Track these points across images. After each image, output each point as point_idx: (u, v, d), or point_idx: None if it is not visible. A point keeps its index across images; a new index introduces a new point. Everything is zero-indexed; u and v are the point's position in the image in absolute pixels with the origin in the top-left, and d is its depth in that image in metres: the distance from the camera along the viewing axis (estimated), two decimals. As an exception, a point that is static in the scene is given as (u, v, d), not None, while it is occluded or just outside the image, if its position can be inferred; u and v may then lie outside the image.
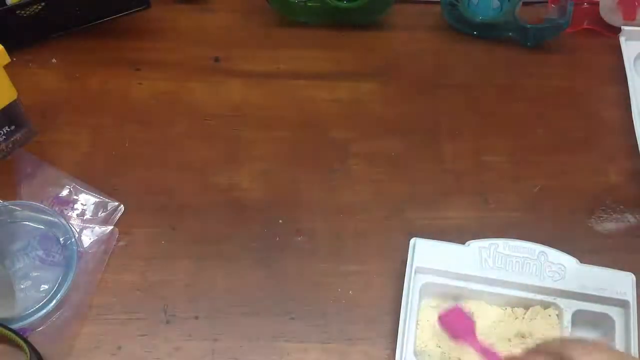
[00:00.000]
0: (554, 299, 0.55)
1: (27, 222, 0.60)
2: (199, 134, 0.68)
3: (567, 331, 0.54)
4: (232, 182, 0.65)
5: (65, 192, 0.62)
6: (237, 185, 0.65)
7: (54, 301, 0.56)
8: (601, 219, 0.64)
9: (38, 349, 0.53)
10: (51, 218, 0.60)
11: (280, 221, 0.62)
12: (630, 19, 0.76)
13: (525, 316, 0.56)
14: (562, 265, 0.56)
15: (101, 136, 0.67)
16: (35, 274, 0.58)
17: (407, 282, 0.55)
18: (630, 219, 0.64)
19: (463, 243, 0.57)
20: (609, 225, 0.63)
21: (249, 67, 0.74)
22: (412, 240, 0.57)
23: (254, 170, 0.66)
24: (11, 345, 0.54)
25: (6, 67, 0.58)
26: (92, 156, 0.66)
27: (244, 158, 0.67)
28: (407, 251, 0.57)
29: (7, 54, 0.57)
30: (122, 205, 0.62)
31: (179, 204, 0.63)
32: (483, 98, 0.72)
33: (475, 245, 0.57)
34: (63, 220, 0.59)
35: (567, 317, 0.55)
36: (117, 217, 0.62)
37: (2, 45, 0.57)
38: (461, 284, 0.56)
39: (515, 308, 0.56)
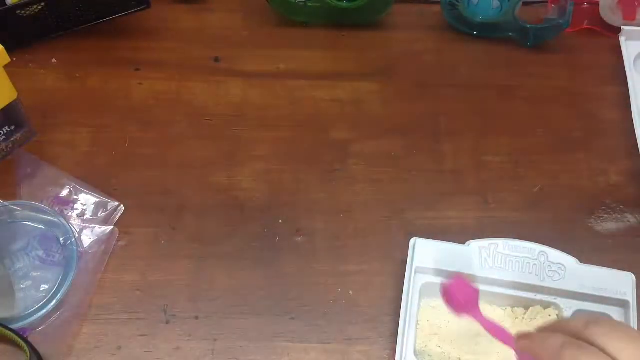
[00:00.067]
0: (554, 299, 0.55)
1: (27, 222, 0.60)
2: (199, 134, 0.68)
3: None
4: (232, 182, 0.65)
5: (65, 192, 0.62)
6: (237, 185, 0.65)
7: (54, 301, 0.56)
8: (601, 219, 0.64)
9: (38, 349, 0.53)
10: (51, 218, 0.60)
11: (280, 221, 0.62)
12: (630, 19, 0.76)
13: (525, 316, 0.56)
14: (562, 265, 0.56)
15: (101, 136, 0.67)
16: (35, 274, 0.58)
17: (407, 282, 0.55)
18: (630, 219, 0.64)
19: (463, 243, 0.57)
20: (609, 225, 0.63)
21: (249, 67, 0.74)
22: (412, 240, 0.57)
23: (254, 170, 0.66)
24: (11, 345, 0.54)
25: (6, 67, 0.58)
26: (92, 156, 0.66)
27: (244, 158, 0.67)
28: (407, 251, 0.57)
29: (7, 54, 0.57)
30: (122, 205, 0.62)
31: (179, 204, 0.63)
32: (483, 98, 0.72)
33: (475, 245, 0.57)
34: (63, 220, 0.59)
35: (567, 317, 0.55)
36: (117, 217, 0.62)
37: (2, 45, 0.57)
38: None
39: (515, 308, 0.57)
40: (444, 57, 0.76)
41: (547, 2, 0.78)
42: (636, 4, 0.75)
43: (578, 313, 0.55)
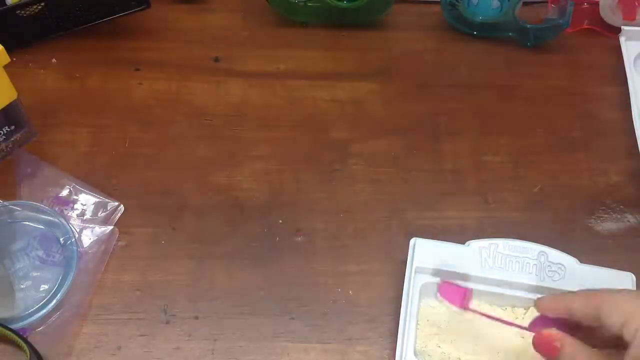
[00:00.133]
0: (554, 299, 0.55)
1: (27, 222, 0.60)
2: (199, 134, 0.68)
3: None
4: (232, 182, 0.65)
5: (65, 192, 0.62)
6: (237, 185, 0.65)
7: (54, 301, 0.56)
8: (601, 219, 0.64)
9: (38, 349, 0.53)
10: (51, 218, 0.60)
11: (280, 221, 0.62)
12: (630, 19, 0.76)
13: (525, 316, 0.56)
14: (562, 265, 0.56)
15: (101, 136, 0.67)
16: (35, 274, 0.58)
17: (407, 282, 0.55)
18: (630, 219, 0.64)
19: (463, 243, 0.57)
20: (609, 225, 0.63)
21: (249, 67, 0.74)
22: (412, 240, 0.57)
23: (253, 170, 0.66)
24: (11, 345, 0.54)
25: (6, 67, 0.58)
26: (92, 156, 0.66)
27: (244, 158, 0.67)
28: (407, 251, 0.57)
29: (7, 54, 0.57)
30: (122, 205, 0.62)
31: (179, 204, 0.63)
32: (483, 98, 0.72)
33: (475, 245, 0.57)
34: (63, 220, 0.60)
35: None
36: (117, 217, 0.62)
37: (2, 45, 0.57)
38: (461, 284, 0.56)
39: (515, 308, 0.56)
40: (444, 57, 0.76)
41: (547, 2, 0.78)
42: (636, 4, 0.75)
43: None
